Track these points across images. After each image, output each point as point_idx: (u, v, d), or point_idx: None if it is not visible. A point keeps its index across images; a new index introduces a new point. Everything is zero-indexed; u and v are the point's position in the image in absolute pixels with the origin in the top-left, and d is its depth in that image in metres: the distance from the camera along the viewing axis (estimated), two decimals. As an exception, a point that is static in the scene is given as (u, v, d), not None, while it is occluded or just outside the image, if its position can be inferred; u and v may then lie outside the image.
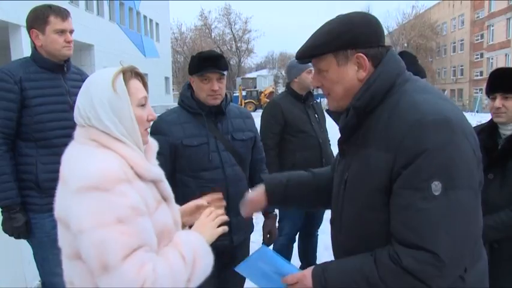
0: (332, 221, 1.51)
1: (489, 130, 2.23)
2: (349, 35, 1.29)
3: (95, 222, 1.12)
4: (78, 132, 1.33)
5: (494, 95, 2.17)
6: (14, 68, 2.34)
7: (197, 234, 1.37)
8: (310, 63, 3.50)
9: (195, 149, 2.20)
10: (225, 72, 2.27)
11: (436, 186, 1.14)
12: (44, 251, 2.37)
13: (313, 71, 3.46)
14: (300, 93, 3.43)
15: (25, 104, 2.29)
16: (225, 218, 1.49)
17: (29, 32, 2.40)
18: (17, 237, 2.35)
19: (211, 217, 1.45)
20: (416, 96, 1.25)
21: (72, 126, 2.45)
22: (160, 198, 1.35)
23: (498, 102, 2.13)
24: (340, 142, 1.44)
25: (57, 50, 2.37)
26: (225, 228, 1.46)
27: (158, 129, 2.23)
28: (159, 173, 1.37)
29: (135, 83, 1.32)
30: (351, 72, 1.31)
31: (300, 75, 3.40)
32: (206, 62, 2.20)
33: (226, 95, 2.33)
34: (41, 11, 2.38)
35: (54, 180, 2.43)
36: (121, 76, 1.28)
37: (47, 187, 2.28)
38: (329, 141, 3.57)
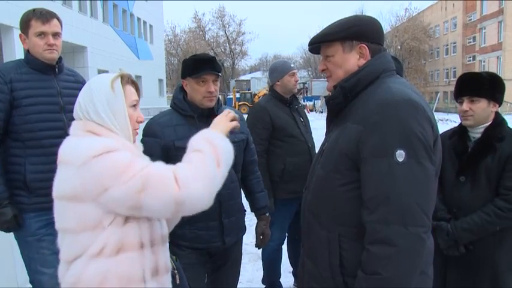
0: (306, 187, 1.70)
1: (460, 133, 2.27)
2: (356, 29, 1.53)
3: (113, 175, 1.29)
4: (74, 127, 1.46)
5: (461, 98, 2.22)
6: (6, 69, 2.35)
7: (205, 129, 1.51)
8: (293, 67, 3.47)
9: None
10: (220, 74, 2.28)
11: (400, 154, 1.33)
12: (29, 250, 2.38)
13: (295, 75, 3.44)
14: (284, 96, 3.31)
15: (15, 105, 2.30)
16: (236, 116, 1.62)
17: (19, 36, 2.43)
18: (7, 231, 2.36)
19: (224, 115, 1.60)
20: (391, 84, 1.47)
21: (62, 127, 2.45)
22: None
23: (465, 105, 2.19)
24: (327, 120, 1.67)
25: (38, 53, 2.37)
26: (237, 124, 1.61)
27: (150, 131, 2.23)
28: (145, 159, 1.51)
29: (130, 88, 1.52)
30: (353, 59, 1.54)
31: (282, 78, 3.29)
32: (202, 64, 2.21)
33: (218, 97, 2.33)
34: (26, 14, 2.39)
35: (42, 180, 2.43)
36: (119, 79, 1.48)
37: (35, 187, 2.30)
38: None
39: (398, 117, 1.35)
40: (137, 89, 1.57)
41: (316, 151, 3.23)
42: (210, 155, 1.37)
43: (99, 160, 1.30)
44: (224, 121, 1.57)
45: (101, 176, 1.29)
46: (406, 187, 1.33)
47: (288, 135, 3.20)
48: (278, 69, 3.34)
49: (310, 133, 3.42)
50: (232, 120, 1.58)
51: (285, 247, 3.62)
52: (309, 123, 3.48)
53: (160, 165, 1.37)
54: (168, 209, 1.31)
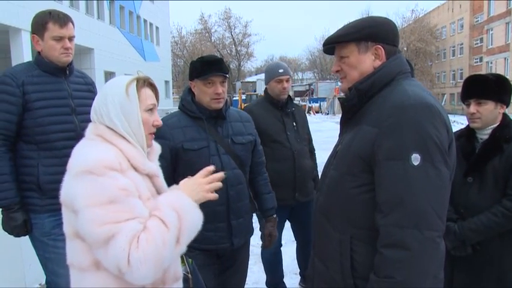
0: (318, 188, 1.69)
1: (467, 135, 2.29)
2: (372, 30, 1.51)
3: (88, 201, 1.25)
4: (87, 130, 1.47)
5: (468, 101, 2.23)
6: (17, 71, 2.36)
7: (178, 192, 1.41)
8: (281, 72, 3.29)
9: (196, 153, 2.22)
10: (227, 76, 2.29)
11: (416, 158, 1.32)
12: (45, 251, 2.39)
13: (284, 81, 3.27)
14: (276, 99, 3.20)
15: (27, 107, 2.31)
16: (219, 184, 1.48)
17: (31, 37, 2.43)
18: (16, 235, 2.37)
19: (206, 179, 1.47)
20: (407, 87, 1.45)
21: (74, 129, 2.46)
22: (155, 192, 1.47)
23: (472, 108, 2.19)
24: (342, 122, 1.65)
25: (55, 56, 2.38)
26: (216, 196, 1.47)
27: (159, 133, 2.23)
28: (154, 168, 1.49)
29: (147, 91, 1.48)
30: (368, 60, 1.52)
31: (268, 83, 3.23)
32: (210, 65, 2.22)
33: (226, 99, 2.34)
34: (41, 17, 2.39)
35: (55, 182, 2.45)
36: (134, 83, 1.44)
37: (48, 189, 2.31)
38: (313, 150, 3.43)
39: (414, 120, 1.34)
40: (155, 92, 1.53)
41: (319, 157, 3.23)
42: (173, 231, 1.30)
43: (88, 178, 1.27)
44: (201, 189, 1.44)
45: (79, 195, 1.27)
46: (421, 191, 1.32)
47: (272, 140, 3.10)
48: (267, 73, 3.28)
49: (303, 139, 3.27)
50: (213, 185, 1.46)
51: (286, 249, 3.64)
52: (304, 128, 3.32)
53: (131, 228, 1.26)
54: (111, 270, 1.28)
